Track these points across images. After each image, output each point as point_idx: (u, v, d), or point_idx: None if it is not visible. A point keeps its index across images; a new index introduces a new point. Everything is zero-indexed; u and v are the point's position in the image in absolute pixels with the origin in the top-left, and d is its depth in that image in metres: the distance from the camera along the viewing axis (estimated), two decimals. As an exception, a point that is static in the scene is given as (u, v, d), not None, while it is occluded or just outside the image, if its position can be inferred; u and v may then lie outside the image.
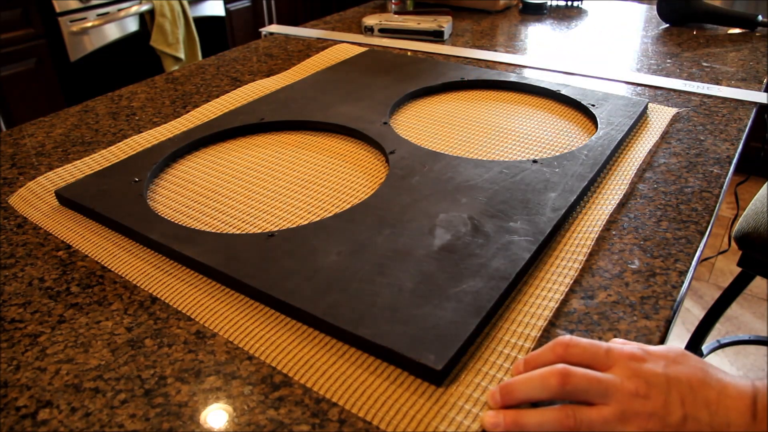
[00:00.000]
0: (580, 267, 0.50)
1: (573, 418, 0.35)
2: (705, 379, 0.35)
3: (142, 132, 0.76)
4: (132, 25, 2.03)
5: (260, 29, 1.26)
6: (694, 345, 1.26)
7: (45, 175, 0.66)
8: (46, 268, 0.52)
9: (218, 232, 0.55)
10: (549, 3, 1.40)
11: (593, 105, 0.77)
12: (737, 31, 1.19)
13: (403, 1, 1.34)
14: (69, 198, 0.59)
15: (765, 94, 0.87)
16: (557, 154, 0.68)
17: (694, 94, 0.87)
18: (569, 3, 1.41)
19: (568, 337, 0.38)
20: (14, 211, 0.61)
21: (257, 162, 0.68)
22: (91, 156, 0.70)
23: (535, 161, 0.63)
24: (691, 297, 1.81)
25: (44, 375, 0.41)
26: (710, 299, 1.77)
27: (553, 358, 0.38)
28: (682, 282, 0.49)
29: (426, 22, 1.16)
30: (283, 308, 0.45)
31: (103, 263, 0.53)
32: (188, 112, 0.82)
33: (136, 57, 2.07)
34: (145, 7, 2.01)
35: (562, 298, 0.47)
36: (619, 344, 0.38)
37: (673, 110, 0.80)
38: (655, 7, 1.27)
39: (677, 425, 0.34)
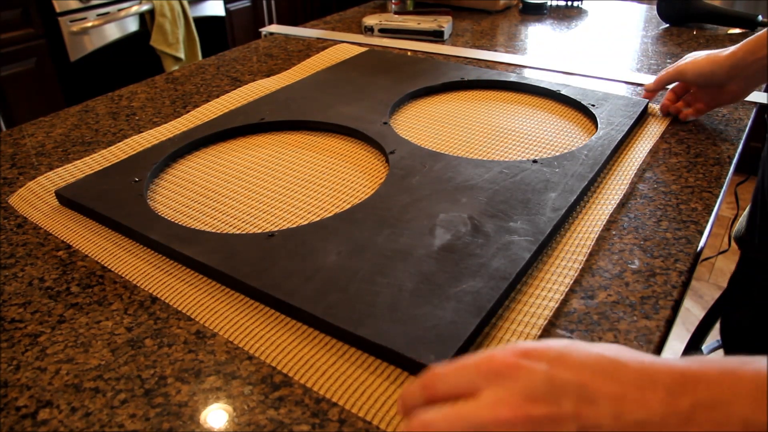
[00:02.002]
0: (580, 267, 0.50)
1: None
2: (604, 371, 0.29)
3: (142, 132, 0.76)
4: (132, 25, 2.03)
5: (260, 29, 1.26)
6: (694, 345, 1.26)
7: (45, 175, 0.66)
8: (46, 268, 0.52)
9: (218, 232, 0.55)
10: (549, 3, 1.40)
11: (593, 105, 0.77)
12: (737, 31, 1.18)
13: (403, 1, 1.34)
14: (69, 198, 0.59)
15: (765, 94, 0.87)
16: (557, 154, 0.68)
17: (694, 94, 0.87)
18: (569, 3, 1.41)
19: (435, 371, 0.32)
20: (14, 211, 0.61)
21: (257, 162, 0.68)
22: (91, 156, 0.70)
23: (535, 161, 0.63)
24: (691, 297, 1.81)
25: (44, 375, 0.41)
26: (710, 299, 1.77)
27: (421, 401, 0.32)
28: (682, 282, 0.49)
29: (426, 22, 1.17)
30: (283, 308, 0.45)
31: (103, 263, 0.53)
32: (188, 112, 0.82)
33: (136, 57, 2.07)
34: (145, 7, 2.01)
35: (562, 298, 0.47)
36: (499, 354, 0.31)
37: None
38: (655, 7, 1.27)
39: None
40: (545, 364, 0.29)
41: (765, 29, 0.69)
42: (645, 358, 0.29)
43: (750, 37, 0.70)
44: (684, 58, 0.77)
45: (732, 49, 0.71)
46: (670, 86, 0.80)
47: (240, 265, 0.48)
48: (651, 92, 0.80)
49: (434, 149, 0.68)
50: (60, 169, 0.67)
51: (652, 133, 0.74)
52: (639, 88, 0.89)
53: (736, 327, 0.78)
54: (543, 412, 0.28)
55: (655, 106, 0.81)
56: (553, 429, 0.28)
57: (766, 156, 0.71)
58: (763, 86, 0.91)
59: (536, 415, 0.28)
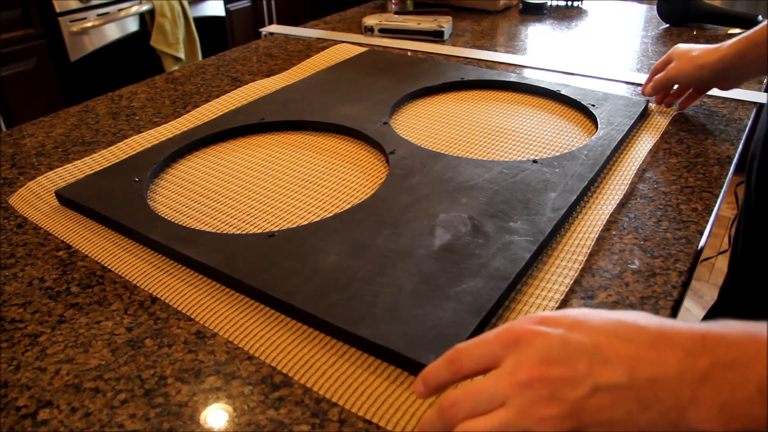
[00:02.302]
0: (580, 267, 0.50)
1: None
2: (618, 333, 0.30)
3: (142, 132, 0.76)
4: (132, 25, 2.03)
5: (260, 29, 1.26)
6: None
7: (45, 175, 0.66)
8: (46, 268, 0.52)
9: (218, 232, 0.55)
10: (549, 3, 1.40)
11: (593, 105, 0.77)
12: (737, 31, 1.18)
13: (403, 1, 1.34)
14: (69, 198, 0.59)
15: (765, 94, 0.87)
16: (557, 154, 0.68)
17: (694, 94, 0.87)
18: (569, 3, 1.41)
19: (458, 347, 0.33)
20: (14, 211, 0.61)
21: (257, 162, 0.68)
22: (91, 156, 0.70)
23: (535, 161, 0.63)
24: (691, 297, 1.81)
25: (44, 375, 0.41)
26: (710, 299, 1.77)
27: (448, 377, 0.33)
28: (682, 282, 0.49)
29: (426, 22, 1.17)
30: (283, 308, 0.45)
31: (103, 263, 0.53)
32: (188, 112, 0.82)
33: (136, 57, 2.07)
34: (145, 7, 2.01)
35: (562, 298, 0.47)
36: (518, 323, 0.32)
37: (673, 110, 0.80)
38: (655, 7, 1.27)
39: (585, 399, 0.28)
40: (562, 329, 0.30)
41: (753, 28, 0.69)
42: (666, 321, 0.30)
43: (738, 37, 0.69)
44: (671, 50, 0.76)
45: (722, 50, 0.70)
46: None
47: (240, 265, 0.48)
48: (649, 94, 0.81)
49: (434, 149, 0.68)
50: (60, 169, 0.67)
51: (652, 133, 0.74)
52: (639, 88, 0.89)
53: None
54: (558, 373, 0.29)
55: (655, 106, 0.81)
56: (569, 389, 0.29)
57: (752, 156, 0.71)
58: (764, 86, 0.91)
59: (552, 376, 0.29)
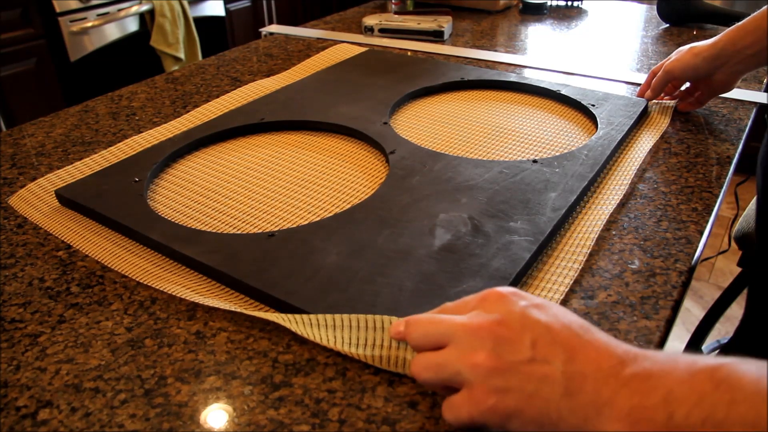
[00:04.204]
0: (580, 267, 0.50)
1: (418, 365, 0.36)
2: (571, 327, 0.33)
3: (142, 132, 0.76)
4: (132, 25, 2.03)
5: (260, 29, 1.26)
6: (694, 345, 1.26)
7: (45, 175, 0.66)
8: (46, 268, 0.52)
9: (218, 232, 0.55)
10: (549, 3, 1.40)
11: (593, 105, 0.77)
12: (737, 31, 1.18)
13: (403, 1, 1.34)
14: (69, 198, 0.59)
15: (765, 94, 0.87)
16: (557, 154, 0.68)
17: (694, 94, 0.87)
18: (569, 3, 1.41)
19: (447, 304, 0.39)
20: (14, 211, 0.61)
21: (257, 162, 0.68)
22: (91, 156, 0.70)
23: (535, 161, 0.63)
24: (691, 297, 1.81)
25: (44, 375, 0.41)
26: (710, 299, 1.77)
27: (428, 317, 0.38)
28: (682, 282, 0.49)
29: (426, 22, 1.17)
30: (283, 308, 0.45)
31: (103, 263, 0.53)
32: (188, 112, 0.82)
33: (136, 57, 2.07)
34: (145, 7, 2.01)
35: (562, 298, 0.47)
36: (499, 288, 0.36)
37: (673, 110, 0.80)
38: (655, 7, 1.27)
39: (519, 364, 0.32)
40: (528, 304, 0.34)
41: (746, 18, 0.69)
42: (615, 339, 0.33)
43: (732, 27, 0.70)
44: (672, 54, 0.77)
45: (714, 39, 0.72)
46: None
47: (240, 265, 0.48)
48: (649, 98, 0.81)
49: (434, 149, 0.68)
50: (60, 169, 0.67)
51: (652, 133, 0.74)
52: (639, 88, 0.89)
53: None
54: (506, 333, 0.33)
55: (655, 106, 0.81)
56: (509, 350, 0.32)
57: (762, 159, 0.71)
58: (764, 86, 0.91)
59: (499, 333, 0.33)
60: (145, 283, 0.49)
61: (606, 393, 0.30)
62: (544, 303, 0.35)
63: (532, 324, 0.33)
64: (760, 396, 0.26)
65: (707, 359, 0.30)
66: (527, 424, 0.32)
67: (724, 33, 0.71)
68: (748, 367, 0.28)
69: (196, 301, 0.47)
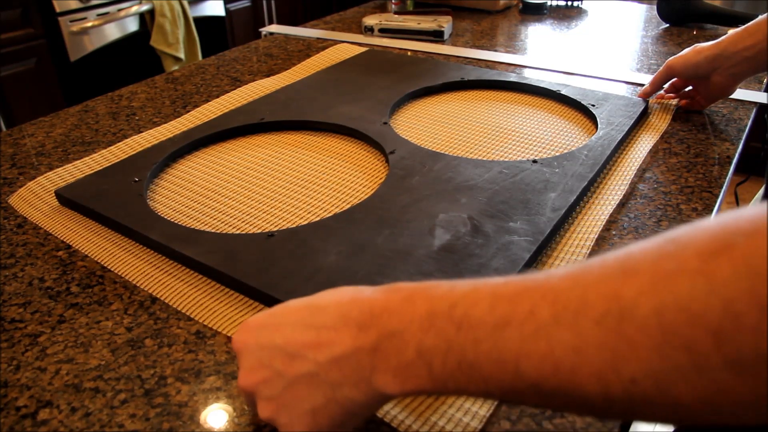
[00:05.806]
0: (580, 267, 0.50)
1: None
2: (302, 322, 0.32)
3: (142, 132, 0.76)
4: (132, 25, 2.03)
5: (260, 29, 1.26)
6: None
7: (45, 175, 0.66)
8: (46, 268, 0.52)
9: (218, 232, 0.55)
10: (549, 3, 1.40)
11: (593, 105, 0.77)
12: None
13: (403, 1, 1.34)
14: (69, 198, 0.59)
15: (765, 94, 0.87)
16: (557, 154, 0.68)
17: (694, 94, 0.87)
18: (569, 3, 1.41)
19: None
20: (14, 211, 0.61)
21: (257, 162, 0.68)
22: (91, 156, 0.70)
23: (535, 161, 0.63)
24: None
25: (44, 375, 0.41)
26: (710, 299, 1.76)
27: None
28: (682, 282, 0.49)
29: (426, 22, 1.17)
30: (283, 308, 0.45)
31: (103, 263, 0.53)
32: (188, 112, 0.82)
33: (136, 57, 2.07)
34: (145, 7, 2.01)
35: (562, 298, 0.47)
36: (234, 337, 0.36)
37: (673, 110, 0.80)
38: (655, 7, 1.27)
39: (285, 391, 0.32)
40: (258, 335, 0.34)
41: (750, 22, 0.70)
42: (354, 294, 0.32)
43: (737, 29, 0.71)
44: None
45: (718, 40, 0.72)
46: (666, 84, 0.80)
47: (240, 265, 0.48)
48: (647, 95, 0.81)
49: (434, 149, 0.68)
50: (60, 169, 0.67)
51: (652, 133, 0.74)
52: (639, 88, 0.89)
53: None
54: (260, 377, 0.33)
55: (655, 106, 0.81)
56: (269, 389, 0.32)
57: None
58: (764, 86, 0.91)
59: (254, 381, 0.33)
60: (143, 287, 0.49)
61: (366, 364, 0.30)
62: (273, 320, 0.34)
63: (272, 352, 0.33)
64: (498, 331, 0.26)
65: (440, 288, 0.29)
66: (334, 419, 0.32)
67: (728, 34, 0.71)
68: (480, 299, 0.28)
69: (193, 315, 0.47)
